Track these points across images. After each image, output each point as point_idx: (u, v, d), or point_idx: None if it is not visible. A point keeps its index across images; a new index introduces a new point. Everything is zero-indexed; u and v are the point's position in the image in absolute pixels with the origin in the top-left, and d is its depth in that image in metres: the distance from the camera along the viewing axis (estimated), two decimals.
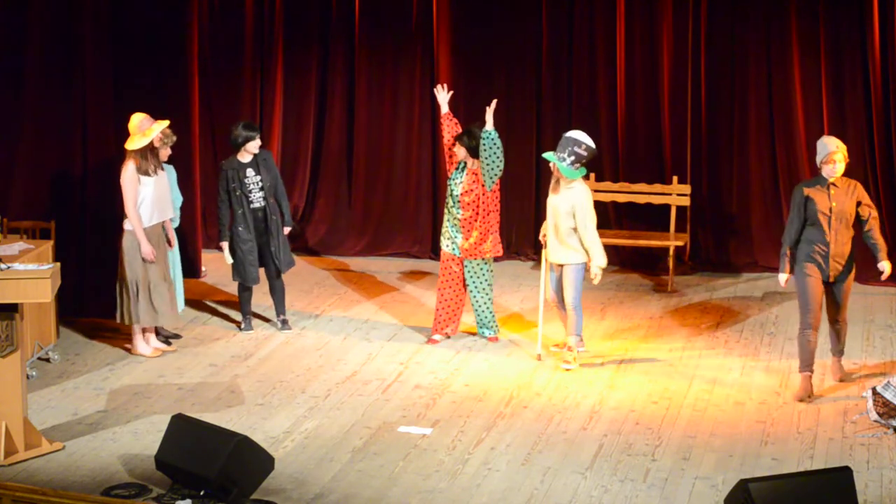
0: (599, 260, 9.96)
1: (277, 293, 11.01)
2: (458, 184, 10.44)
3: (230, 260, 10.78)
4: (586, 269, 10.02)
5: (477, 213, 10.40)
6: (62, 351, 10.51)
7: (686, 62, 12.55)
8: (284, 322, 11.00)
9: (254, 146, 10.71)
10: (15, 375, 8.40)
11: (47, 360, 10.28)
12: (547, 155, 10.08)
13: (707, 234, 12.89)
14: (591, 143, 9.95)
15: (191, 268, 12.46)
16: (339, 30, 13.39)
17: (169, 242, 10.44)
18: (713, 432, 8.85)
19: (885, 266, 9.36)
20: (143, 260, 10.09)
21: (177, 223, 10.76)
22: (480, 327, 10.77)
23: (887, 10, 11.91)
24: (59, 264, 8.63)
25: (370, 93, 13.42)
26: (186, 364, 10.32)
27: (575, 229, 9.94)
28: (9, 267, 8.33)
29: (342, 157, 13.64)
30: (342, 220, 13.68)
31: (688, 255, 12.82)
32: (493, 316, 10.74)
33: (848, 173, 12.21)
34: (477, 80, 13.15)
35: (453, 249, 10.53)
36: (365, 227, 13.61)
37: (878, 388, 8.83)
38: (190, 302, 11.64)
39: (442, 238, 10.65)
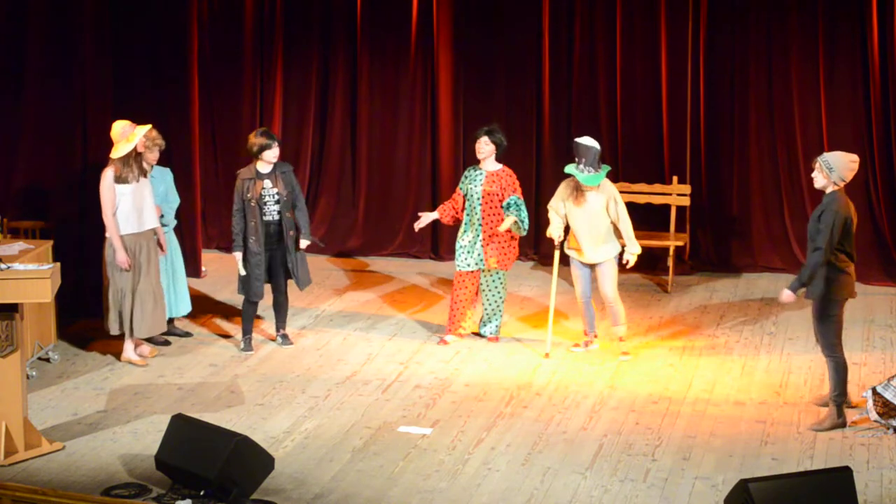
0: (637, 246, 10.26)
1: (281, 309, 10.71)
2: (478, 186, 10.45)
3: (244, 272, 10.44)
4: (619, 257, 10.31)
5: (494, 216, 10.41)
6: (62, 351, 10.51)
7: (686, 62, 12.55)
8: (285, 337, 10.74)
9: (271, 155, 10.36)
10: (15, 375, 8.40)
11: (47, 360, 10.28)
12: (585, 180, 10.07)
13: (707, 234, 12.89)
14: (593, 142, 10.17)
15: (191, 268, 12.46)
16: (339, 29, 13.39)
17: (161, 248, 10.33)
18: (713, 432, 8.85)
19: (786, 295, 8.89)
20: (119, 268, 9.96)
21: (174, 223, 10.73)
22: (484, 324, 10.77)
23: (886, 12, 11.91)
24: (59, 264, 8.63)
25: (371, 92, 13.42)
26: (186, 364, 10.32)
27: (611, 223, 10.19)
28: (9, 267, 8.33)
29: (343, 157, 13.64)
30: (343, 219, 13.68)
31: (688, 255, 12.82)
32: (501, 316, 10.76)
33: None
34: (477, 79, 13.17)
35: (471, 265, 10.49)
36: (365, 227, 13.61)
37: (878, 388, 8.83)
38: (190, 302, 11.65)
39: (457, 258, 10.56)
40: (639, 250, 10.28)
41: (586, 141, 10.15)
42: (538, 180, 13.20)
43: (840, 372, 8.90)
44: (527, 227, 10.49)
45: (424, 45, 13.21)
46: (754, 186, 12.71)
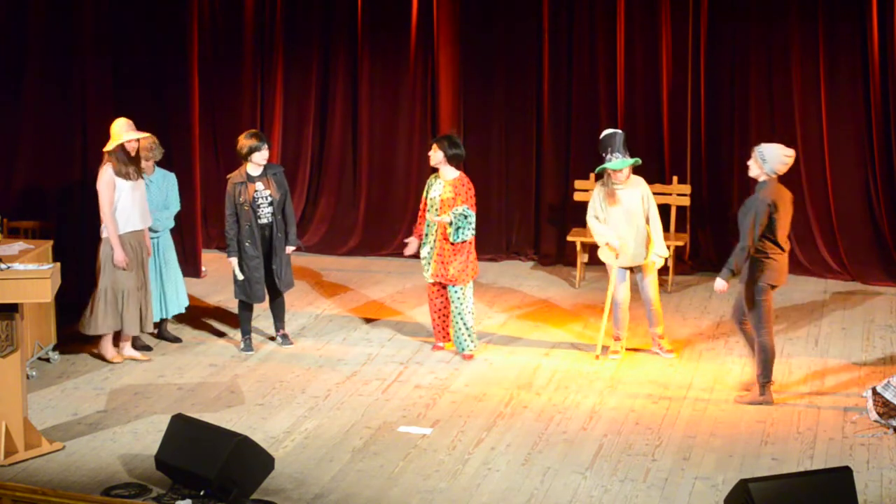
0: (664, 249, 10.22)
1: (278, 309, 10.69)
2: (437, 195, 10.19)
3: (241, 276, 10.35)
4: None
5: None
6: (62, 351, 10.49)
7: (686, 62, 12.56)
8: (285, 337, 10.70)
9: (260, 157, 10.27)
10: (15, 375, 8.40)
11: (47, 360, 10.28)
12: (615, 164, 9.98)
13: (707, 234, 12.89)
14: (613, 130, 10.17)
15: (191, 268, 12.47)
16: (339, 29, 13.40)
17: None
18: (713, 432, 8.85)
19: (718, 283, 9.24)
20: (115, 266, 9.92)
21: (171, 225, 10.60)
22: (458, 342, 10.37)
23: (886, 12, 11.92)
24: (59, 264, 8.63)
25: (371, 93, 13.42)
26: (186, 364, 10.32)
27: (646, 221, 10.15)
28: (9, 267, 8.33)
29: (343, 157, 13.64)
30: (343, 219, 13.68)
31: (688, 255, 12.82)
32: (471, 334, 10.32)
33: (849, 173, 12.36)
34: (477, 79, 13.17)
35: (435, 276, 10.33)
36: (365, 227, 13.61)
37: (878, 388, 8.84)
38: (190, 302, 11.64)
39: (424, 270, 10.35)
40: (666, 253, 10.25)
41: (606, 131, 10.10)
42: (538, 180, 13.20)
43: (765, 353, 9.21)
44: (462, 238, 10.08)
45: (424, 45, 13.21)
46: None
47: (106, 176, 9.91)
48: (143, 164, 10.28)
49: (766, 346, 9.22)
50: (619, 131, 10.11)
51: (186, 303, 10.86)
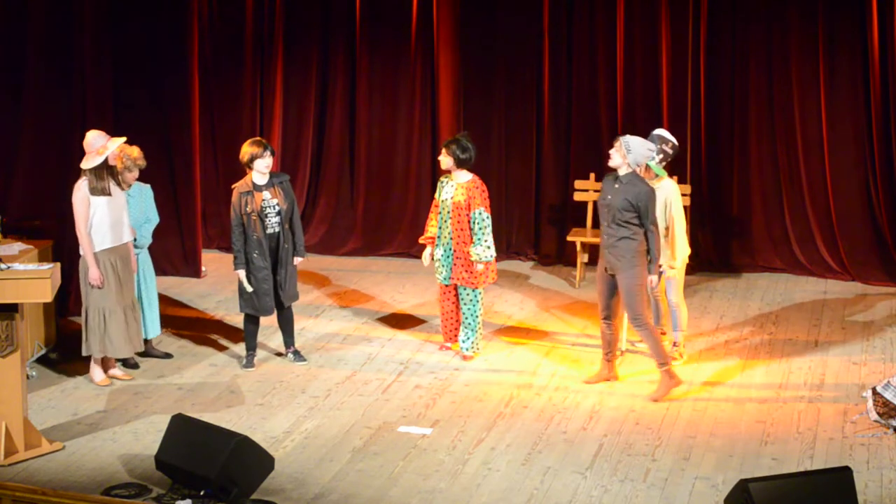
0: (671, 259, 9.98)
1: (285, 324, 10.27)
2: (449, 197, 10.10)
3: (250, 289, 9.98)
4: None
5: (463, 230, 10.10)
6: (62, 351, 10.49)
7: (686, 62, 12.55)
8: (296, 353, 10.34)
9: (262, 165, 9.89)
10: (15, 375, 8.41)
11: (47, 360, 10.27)
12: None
13: (707, 234, 12.89)
14: (675, 141, 10.08)
15: (191, 268, 12.48)
16: (339, 29, 13.39)
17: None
18: (713, 432, 8.85)
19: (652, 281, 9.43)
20: (91, 285, 9.52)
21: (149, 242, 10.21)
22: (461, 340, 10.36)
23: (886, 13, 11.91)
24: (59, 264, 8.63)
25: (371, 92, 13.42)
26: (186, 364, 10.32)
27: (667, 227, 9.93)
28: (9, 267, 8.33)
29: (343, 157, 13.64)
30: (343, 219, 13.68)
31: (688, 255, 12.80)
32: (477, 332, 10.28)
33: (849, 173, 12.36)
34: (477, 79, 13.16)
35: (447, 279, 10.23)
36: (365, 227, 13.61)
37: (878, 388, 8.84)
38: (190, 302, 11.65)
39: (436, 271, 10.27)
40: (675, 264, 9.95)
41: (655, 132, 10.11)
42: (538, 180, 13.19)
43: (654, 337, 9.41)
44: (484, 254, 9.99)
45: (424, 45, 13.21)
46: (754, 186, 12.71)
47: (80, 193, 9.49)
48: (128, 175, 9.74)
49: (652, 328, 9.46)
50: (655, 132, 10.01)
51: (159, 331, 10.36)
